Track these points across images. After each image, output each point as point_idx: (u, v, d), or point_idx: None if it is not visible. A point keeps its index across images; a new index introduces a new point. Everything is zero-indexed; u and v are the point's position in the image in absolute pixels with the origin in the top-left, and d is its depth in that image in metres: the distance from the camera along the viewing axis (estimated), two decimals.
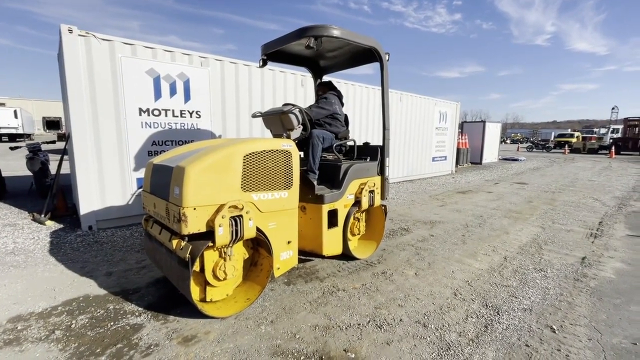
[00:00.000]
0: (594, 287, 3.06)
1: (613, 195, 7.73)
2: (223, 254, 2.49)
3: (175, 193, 2.29)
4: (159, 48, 4.79)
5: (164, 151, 4.98)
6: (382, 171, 3.81)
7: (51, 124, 34.74)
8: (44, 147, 7.39)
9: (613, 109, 41.82)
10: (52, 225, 4.70)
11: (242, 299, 2.67)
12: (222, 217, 2.32)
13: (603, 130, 35.66)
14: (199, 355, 2.07)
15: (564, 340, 2.28)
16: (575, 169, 13.59)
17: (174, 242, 2.33)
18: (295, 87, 6.55)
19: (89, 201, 4.43)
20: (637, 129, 24.19)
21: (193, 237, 2.32)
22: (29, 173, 6.54)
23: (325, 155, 3.72)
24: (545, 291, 2.99)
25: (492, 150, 16.85)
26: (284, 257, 2.85)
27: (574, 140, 28.17)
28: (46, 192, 5.47)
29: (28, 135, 27.11)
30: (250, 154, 2.54)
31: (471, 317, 2.56)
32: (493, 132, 16.85)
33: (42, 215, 4.78)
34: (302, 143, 3.61)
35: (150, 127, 4.82)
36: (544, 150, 28.99)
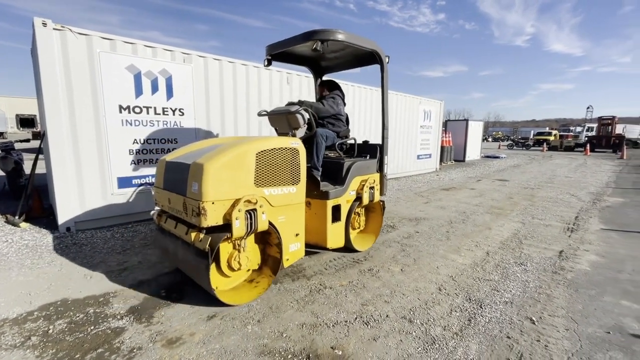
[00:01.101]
0: (570, 280, 3.18)
1: (588, 191, 8.05)
2: (237, 245, 2.66)
3: (193, 189, 2.42)
4: (139, 43, 4.65)
5: (146, 150, 4.86)
6: (381, 168, 3.99)
7: (25, 121, 33.23)
8: (17, 145, 7.07)
9: (588, 108, 43.62)
10: (27, 227, 4.50)
11: (253, 289, 2.81)
12: (239, 211, 2.45)
13: (579, 129, 37.03)
14: (183, 358, 2.04)
15: (543, 331, 2.36)
16: (553, 166, 14.07)
17: (193, 234, 2.47)
18: (280, 84, 6.50)
19: (66, 202, 4.27)
20: (610, 127, 25.28)
21: (210, 230, 2.44)
22: (1, 173, 6.25)
23: (327, 153, 3.84)
24: (525, 284, 3.08)
25: (474, 148, 17.24)
26: (293, 249, 3.00)
27: (551, 138, 29.17)
28: (20, 192, 5.23)
29: (0, 134, 25.89)
30: (262, 151, 2.69)
31: (455, 311, 2.62)
32: (475, 131, 17.23)
33: (16, 217, 4.58)
34: (305, 141, 3.57)
35: (131, 125, 4.68)
36: (524, 148, 29.91)
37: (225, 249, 2.62)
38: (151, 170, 4.94)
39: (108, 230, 4.52)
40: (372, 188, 3.82)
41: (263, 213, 2.63)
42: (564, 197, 7.26)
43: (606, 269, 3.44)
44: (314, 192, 3.34)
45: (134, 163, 4.79)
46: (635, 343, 2.23)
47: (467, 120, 16.32)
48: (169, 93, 4.99)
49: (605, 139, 24.55)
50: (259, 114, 3.90)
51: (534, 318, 2.52)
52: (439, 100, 11.95)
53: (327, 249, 3.57)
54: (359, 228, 4.02)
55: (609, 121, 25.45)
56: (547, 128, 41.35)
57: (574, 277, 3.23)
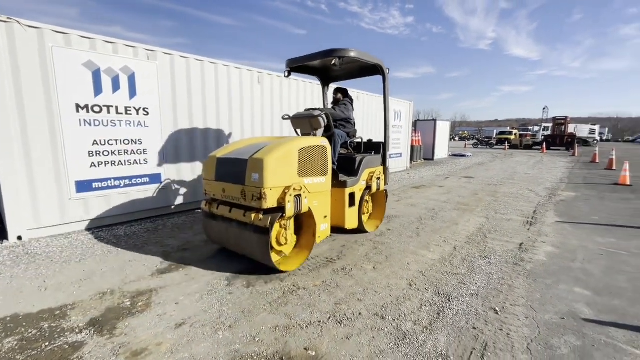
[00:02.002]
0: (530, 270, 3.38)
1: (545, 186, 8.62)
2: (283, 225, 3.22)
3: (254, 178, 2.96)
4: (98, 39, 4.38)
5: (108, 151, 4.60)
6: (384, 162, 4.76)
7: None
8: None
9: (544, 109, 46.63)
10: None
11: (295, 260, 3.42)
12: (290, 195, 3.05)
13: (536, 128, 39.57)
14: None
15: (505, 321, 2.49)
16: (513, 164, 14.94)
17: (252, 215, 3.00)
18: (251, 84, 6.39)
19: (16, 208, 3.94)
20: (563, 127, 27.26)
21: (266, 211, 3.00)
22: None
23: (339, 150, 4.42)
24: (489, 276, 3.24)
25: (442, 147, 17.92)
26: (322, 228, 3.65)
27: (512, 137, 30.97)
28: None
29: None
30: (302, 148, 3.30)
31: (425, 305, 2.70)
32: (443, 130, 17.92)
33: None
34: None
35: (90, 125, 4.40)
36: (488, 147, 31.53)
37: (274, 227, 3.07)
38: (114, 173, 4.68)
39: (66, 238, 4.22)
40: (378, 179, 4.56)
41: (305, 198, 3.25)
42: (524, 192, 7.73)
43: (561, 259, 3.70)
44: (334, 181, 3.91)
45: (95, 165, 4.51)
46: (586, 327, 2.41)
47: (435, 120, 16.93)
48: (132, 91, 4.74)
49: (559, 137, 26.45)
50: (283, 118, 4.60)
51: (497, 308, 2.65)
52: (408, 101, 12.30)
53: (346, 230, 4.26)
54: (367, 213, 4.76)
55: (562, 121, 27.43)
56: (509, 128, 43.83)
57: (532, 268, 3.44)
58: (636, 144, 45.14)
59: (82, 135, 4.35)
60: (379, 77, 4.64)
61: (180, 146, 5.42)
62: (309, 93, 7.74)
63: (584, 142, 31.95)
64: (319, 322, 2.44)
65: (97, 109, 4.44)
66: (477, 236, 4.48)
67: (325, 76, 5.33)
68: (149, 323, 2.40)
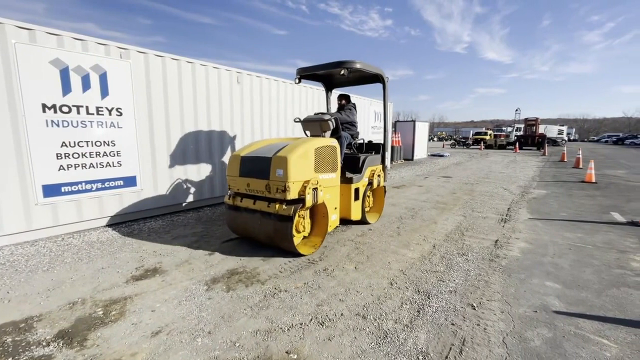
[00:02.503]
0: (504, 266, 3.51)
1: (518, 184, 8.98)
2: (301, 215, 3.73)
3: (278, 173, 3.42)
4: (66, 35, 4.17)
5: (78, 153, 4.39)
6: (383, 161, 5.31)
7: None
8: None
9: (517, 110, 48.60)
10: None
11: (311, 245, 3.88)
12: (309, 188, 3.54)
13: (510, 129, 41.19)
14: None
15: (482, 315, 2.56)
16: (489, 163, 15.47)
17: (276, 206, 3.45)
18: (230, 84, 6.29)
19: None
20: (534, 127, 28.53)
21: (288, 203, 3.45)
22: None
23: (345, 150, 4.85)
24: (467, 273, 3.33)
25: (422, 147, 18.31)
26: (333, 218, 4.16)
27: (487, 137, 32.07)
28: None
29: None
30: (318, 147, 3.81)
31: (405, 304, 2.74)
32: (422, 131, 18.31)
33: None
34: None
35: (58, 125, 4.18)
36: (465, 147, 32.52)
37: (295, 216, 3.50)
38: (85, 176, 4.47)
39: (32, 245, 3.99)
40: (379, 176, 5.08)
41: (321, 191, 3.72)
42: (499, 190, 8.02)
43: (533, 254, 3.85)
44: (342, 178, 4.40)
45: (64, 168, 4.29)
46: (557, 319, 2.52)
47: (414, 121, 17.27)
48: (104, 91, 4.55)
49: (530, 138, 27.64)
50: (295, 121, 4.96)
51: (474, 304, 2.73)
52: (389, 102, 12.49)
53: (352, 221, 4.78)
54: (369, 206, 5.28)
55: (533, 122, 28.70)
56: (484, 128, 45.36)
57: (507, 264, 3.56)
58: (600, 143, 47.90)
59: (50, 136, 4.13)
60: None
61: (157, 148, 5.24)
62: (289, 92, 7.70)
63: (553, 142, 33.58)
64: (301, 324, 2.42)
65: (65, 109, 4.22)
66: (455, 234, 4.60)
67: (329, 83, 5.83)
68: (123, 332, 2.30)
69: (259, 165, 3.67)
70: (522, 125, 31.23)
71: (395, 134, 15.33)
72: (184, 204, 5.81)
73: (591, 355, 2.10)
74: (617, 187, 8.44)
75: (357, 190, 4.61)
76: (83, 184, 4.48)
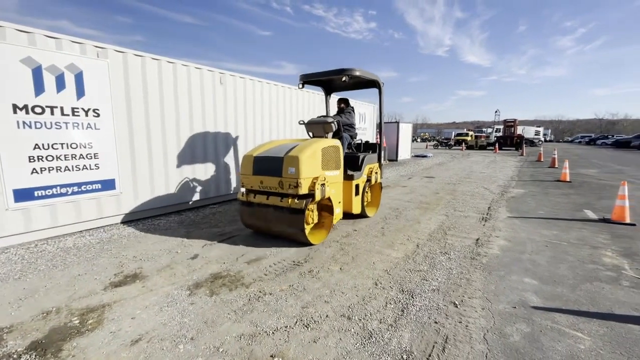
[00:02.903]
0: (485, 264, 3.60)
1: (497, 184, 9.25)
2: (310, 208, 4.07)
3: (290, 171, 3.81)
4: (38, 33, 4.01)
5: (52, 156, 4.21)
6: (379, 159, 5.82)
7: None
8: None
9: (496, 112, 50.03)
10: None
11: (319, 235, 4.27)
12: (318, 184, 3.92)
13: (490, 130, 42.37)
14: None
15: (464, 313, 2.62)
16: (470, 163, 15.87)
17: (289, 200, 3.82)
18: (213, 85, 6.19)
19: None
20: (512, 128, 29.46)
21: (300, 197, 3.84)
22: None
23: (345, 150, 5.20)
24: (449, 271, 3.40)
25: (405, 148, 18.58)
26: (337, 211, 4.58)
27: (469, 138, 32.89)
28: None
29: None
30: (324, 147, 4.20)
31: (390, 303, 2.76)
32: (406, 132, 18.59)
33: None
34: None
35: (30, 127, 4.01)
36: (447, 148, 33.23)
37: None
38: (60, 179, 4.29)
39: (3, 252, 3.80)
40: (376, 173, 5.60)
41: (327, 186, 4.10)
42: (479, 190, 8.23)
43: (512, 251, 3.97)
44: (344, 175, 4.79)
45: (37, 172, 4.11)
46: (534, 314, 2.60)
47: (398, 123, 17.52)
48: (80, 91, 4.39)
49: (509, 138, 28.53)
50: (300, 123, 5.41)
51: (456, 302, 2.78)
52: (372, 104, 12.63)
53: (353, 215, 5.17)
54: (367, 201, 5.66)
55: (512, 123, 29.63)
56: (465, 129, 46.56)
57: (488, 261, 3.66)
58: (574, 143, 49.99)
59: (21, 138, 3.95)
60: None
61: (137, 150, 5.10)
62: (273, 93, 7.66)
63: (531, 142, 34.78)
64: (286, 327, 2.41)
65: (38, 109, 4.05)
66: (438, 233, 4.69)
67: (329, 87, 6.29)
68: (100, 341, 2.22)
69: (271, 164, 4.02)
70: (502, 127, 32.18)
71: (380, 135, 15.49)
72: (166, 207, 5.67)
73: (566, 349, 2.18)
74: (590, 186, 8.82)
75: (357, 186, 5.01)
76: (58, 187, 4.30)
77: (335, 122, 4.93)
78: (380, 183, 5.91)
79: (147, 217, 5.42)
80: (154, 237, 4.48)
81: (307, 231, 4.00)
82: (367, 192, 5.54)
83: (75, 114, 4.37)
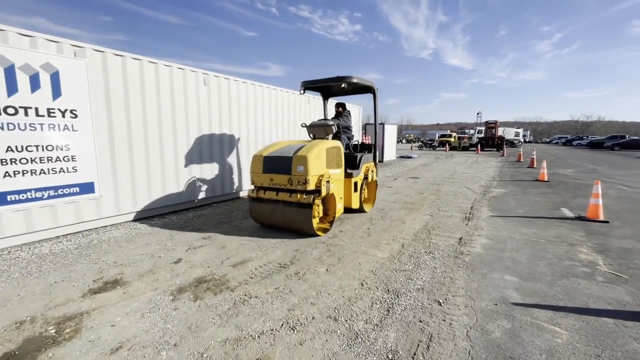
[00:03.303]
0: (468, 262, 3.68)
1: (480, 184, 9.48)
2: (316, 203, 4.38)
3: (299, 169, 4.21)
4: (10, 31, 3.85)
5: (27, 159, 4.05)
6: (374, 159, 6.27)
7: None
8: None
9: (478, 114, 51.31)
10: None
11: (324, 228, 4.69)
12: (324, 181, 4.35)
13: (472, 131, 43.40)
14: None
15: (447, 311, 2.66)
16: (453, 164, 16.21)
17: (298, 195, 4.23)
18: (197, 86, 6.10)
19: None
20: (493, 130, 30.29)
21: (307, 193, 4.25)
22: None
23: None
24: (433, 270, 3.45)
25: (391, 149, 18.81)
26: (339, 206, 5.00)
27: (452, 140, 33.59)
28: None
29: None
30: (328, 148, 4.65)
31: (375, 303, 2.78)
32: (391, 133, 18.83)
33: None
34: None
35: (2, 129, 3.84)
36: (431, 149, 33.84)
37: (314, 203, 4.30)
38: (35, 183, 4.12)
39: None
40: (372, 171, 6.06)
41: (332, 183, 4.53)
42: (462, 190, 8.41)
43: (493, 249, 4.08)
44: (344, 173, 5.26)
45: (10, 175, 3.93)
46: (515, 310, 2.68)
47: (383, 124, 17.72)
48: (56, 91, 4.24)
49: (491, 139, 29.30)
50: (302, 126, 5.90)
51: (440, 300, 2.83)
52: (358, 105, 12.72)
53: (352, 209, 5.63)
54: (364, 197, 6.08)
55: (493, 125, 30.46)
56: (449, 131, 47.50)
57: (470, 260, 3.74)
58: (552, 144, 51.84)
59: None
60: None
61: (117, 152, 4.96)
62: (258, 94, 7.61)
63: (511, 143, 35.84)
64: (272, 330, 2.39)
65: (11, 110, 3.88)
66: (423, 233, 4.76)
67: (327, 93, 6.66)
68: (78, 351, 2.14)
69: (281, 164, 4.42)
70: (483, 128, 33.03)
71: (365, 136, 15.62)
72: (148, 211, 5.53)
73: (545, 343, 2.25)
74: (566, 185, 9.17)
75: (355, 183, 5.45)
76: (32, 191, 4.13)
77: (336, 125, 5.39)
78: (376, 180, 6.29)
79: (128, 221, 5.27)
80: (135, 241, 4.36)
81: (313, 224, 4.38)
82: (364, 189, 5.97)
83: (51, 114, 4.22)
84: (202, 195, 6.43)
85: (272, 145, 4.91)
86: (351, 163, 5.56)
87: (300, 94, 6.02)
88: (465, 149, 31.18)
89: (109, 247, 4.13)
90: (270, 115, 8.05)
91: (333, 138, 5.40)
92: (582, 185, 9.06)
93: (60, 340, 2.26)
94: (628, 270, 3.45)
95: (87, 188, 4.66)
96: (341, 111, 6.08)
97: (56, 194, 4.35)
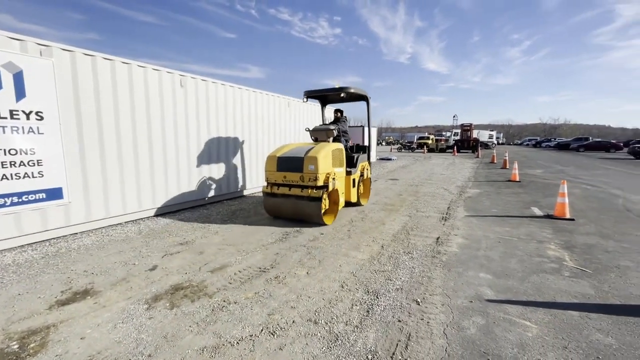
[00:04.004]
0: (445, 261, 3.78)
1: (456, 185, 9.78)
2: (324, 197, 5.07)
3: (310, 168, 4.93)
4: None
5: None
6: (369, 159, 7.14)
7: None
8: None
9: (454, 116, 52.89)
10: None
11: (330, 218, 5.40)
12: (331, 178, 5.14)
13: (449, 134, 44.72)
14: None
15: (425, 310, 2.72)
16: (431, 166, 16.63)
17: (309, 190, 4.93)
18: (173, 87, 5.95)
19: None
20: (469, 132, 31.35)
21: (317, 188, 4.95)
22: None
23: None
24: (412, 270, 3.52)
25: (371, 151, 19.04)
26: (341, 200, 5.74)
27: (430, 142, 34.47)
28: None
29: None
30: (333, 149, 5.38)
31: (355, 305, 2.81)
32: (371, 136, 19.08)
33: None
34: None
35: None
36: (410, 151, 34.56)
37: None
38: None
39: None
40: (367, 169, 6.97)
41: (337, 180, 5.36)
42: (440, 191, 8.64)
43: (469, 248, 4.21)
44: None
45: None
46: (489, 307, 2.77)
47: (363, 127, 17.91)
48: (20, 92, 4.01)
49: (466, 142, 30.31)
50: (306, 130, 6.57)
51: (418, 299, 2.89)
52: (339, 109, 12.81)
53: (351, 203, 6.42)
54: (361, 192, 6.78)
55: (468, 127, 31.53)
56: (427, 133, 48.67)
57: (447, 259, 3.84)
58: (523, 146, 54.28)
59: None
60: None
61: (88, 156, 4.75)
62: (237, 96, 7.52)
63: (485, 145, 37.19)
64: (251, 336, 2.35)
65: None
66: (402, 234, 4.85)
67: (325, 100, 7.53)
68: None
69: (294, 163, 5.15)
70: (459, 131, 34.12)
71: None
72: (121, 216, 5.33)
73: (516, 337, 2.35)
74: (536, 185, 9.62)
75: (354, 180, 6.22)
76: None
77: (336, 130, 6.09)
78: (370, 177, 7.18)
79: (99, 228, 5.05)
80: (108, 248, 4.18)
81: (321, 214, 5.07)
82: (360, 185, 6.71)
83: (14, 116, 3.98)
84: (181, 200, 6.26)
85: (283, 148, 5.61)
86: (349, 162, 6.27)
87: (304, 101, 6.96)
88: (442, 150, 32.09)
89: (79, 255, 3.94)
90: (250, 117, 7.96)
91: (333, 141, 5.99)
92: (550, 185, 9.53)
93: (24, 356, 2.13)
94: (591, 265, 3.65)
95: (54, 194, 4.42)
96: (339, 117, 6.80)
97: (20, 200, 4.10)
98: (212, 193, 7.01)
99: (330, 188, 5.08)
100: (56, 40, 4.48)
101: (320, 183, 4.93)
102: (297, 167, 5.06)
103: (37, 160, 4.22)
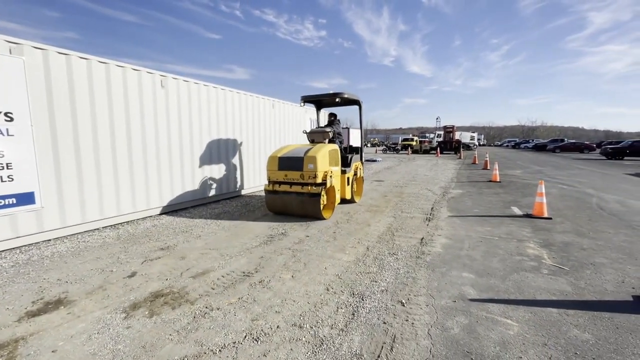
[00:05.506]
0: (429, 262, 3.81)
1: (439, 185, 9.94)
2: (322, 194, 5.45)
3: (309, 167, 5.39)
4: None
5: None
6: (361, 158, 7.62)
7: None
8: None
9: (437, 118, 54.16)
10: None
11: (328, 213, 5.80)
12: (329, 176, 5.58)
13: (432, 135, 45.59)
14: None
15: (410, 311, 2.73)
16: (415, 167, 16.88)
17: (309, 187, 5.40)
18: (154, 88, 5.79)
19: None
20: (451, 134, 32.04)
21: (316, 185, 5.40)
22: None
23: None
24: (397, 271, 3.54)
25: (363, 152, 19.15)
26: (337, 197, 6.15)
27: (414, 143, 35.04)
28: None
29: None
30: (330, 150, 5.83)
31: (341, 308, 2.78)
32: (356, 137, 19.23)
33: None
34: None
35: None
36: (395, 152, 35.00)
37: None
38: None
39: None
40: (360, 169, 7.45)
41: (334, 178, 5.80)
42: (423, 192, 8.77)
43: (452, 248, 4.27)
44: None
45: None
46: (472, 306, 2.81)
47: (348, 129, 18.05)
48: None
49: (449, 143, 30.98)
50: (303, 132, 7.21)
51: (403, 301, 2.90)
52: (323, 110, 12.82)
53: (346, 200, 6.77)
54: (354, 190, 7.16)
55: (451, 129, 32.24)
56: (411, 135, 49.47)
57: (431, 259, 3.88)
58: (502, 147, 55.96)
59: None
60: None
61: (62, 159, 4.55)
62: (220, 98, 7.40)
63: (467, 146, 38.11)
64: (234, 343, 2.29)
65: None
66: (387, 235, 4.87)
67: (320, 104, 7.97)
68: None
69: (294, 162, 5.58)
70: (442, 132, 34.81)
71: None
72: (98, 222, 5.12)
73: (499, 336, 2.38)
74: (516, 185, 9.90)
75: (348, 178, 6.63)
76: None
77: (332, 132, 6.59)
78: (362, 176, 7.65)
79: (76, 233, 4.84)
80: (84, 255, 4.01)
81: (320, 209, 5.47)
82: (354, 183, 7.13)
83: None
84: (160, 204, 6.09)
85: (283, 149, 6.03)
86: (344, 162, 6.65)
87: (301, 106, 7.58)
88: (426, 152, 32.67)
89: (52, 263, 3.76)
90: (234, 118, 7.85)
91: (329, 142, 6.42)
92: (529, 185, 9.83)
93: None
94: (568, 262, 3.77)
95: (26, 198, 4.21)
96: (333, 120, 7.24)
97: None
98: (195, 196, 6.86)
99: (329, 185, 5.50)
100: (29, 38, 4.31)
101: (319, 180, 5.37)
102: (298, 166, 5.48)
103: (7, 164, 4.01)
